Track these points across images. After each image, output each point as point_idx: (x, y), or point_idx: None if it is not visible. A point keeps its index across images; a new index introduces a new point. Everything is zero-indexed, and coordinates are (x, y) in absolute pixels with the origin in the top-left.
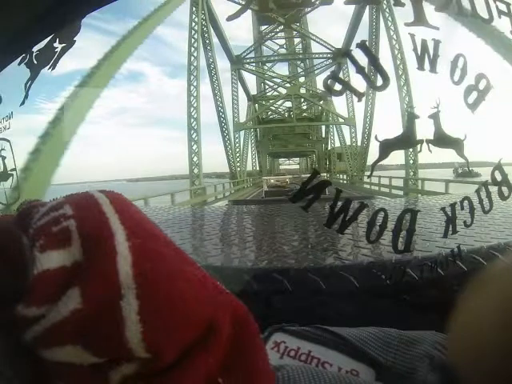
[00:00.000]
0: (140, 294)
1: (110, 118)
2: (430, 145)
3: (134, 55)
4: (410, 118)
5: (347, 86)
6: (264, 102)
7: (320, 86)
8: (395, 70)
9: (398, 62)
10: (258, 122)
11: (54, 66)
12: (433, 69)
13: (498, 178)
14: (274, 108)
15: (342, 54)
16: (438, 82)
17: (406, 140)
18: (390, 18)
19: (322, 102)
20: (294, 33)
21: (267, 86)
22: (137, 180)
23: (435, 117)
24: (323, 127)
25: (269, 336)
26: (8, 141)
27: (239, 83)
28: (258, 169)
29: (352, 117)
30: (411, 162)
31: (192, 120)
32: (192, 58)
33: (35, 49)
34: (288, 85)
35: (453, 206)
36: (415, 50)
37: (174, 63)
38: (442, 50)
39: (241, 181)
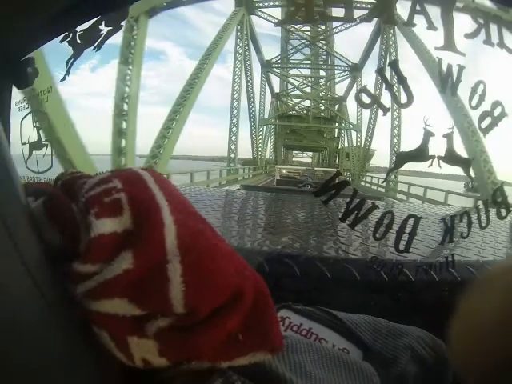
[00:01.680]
0: (183, 260)
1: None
2: (440, 161)
3: (156, 34)
4: (425, 135)
5: (376, 101)
6: (286, 100)
7: (337, 91)
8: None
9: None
10: (278, 116)
11: (98, 48)
12: (454, 92)
13: (499, 199)
14: (293, 103)
15: (356, 69)
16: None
17: (420, 154)
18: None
19: (337, 106)
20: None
21: (290, 86)
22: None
23: (449, 137)
24: (336, 125)
25: (276, 311)
26: (46, 113)
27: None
28: (274, 158)
29: (359, 123)
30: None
31: (233, 118)
32: (236, 69)
33: (79, 28)
34: (308, 89)
35: (453, 217)
36: (440, 73)
37: (196, 45)
38: (463, 75)
39: (260, 167)
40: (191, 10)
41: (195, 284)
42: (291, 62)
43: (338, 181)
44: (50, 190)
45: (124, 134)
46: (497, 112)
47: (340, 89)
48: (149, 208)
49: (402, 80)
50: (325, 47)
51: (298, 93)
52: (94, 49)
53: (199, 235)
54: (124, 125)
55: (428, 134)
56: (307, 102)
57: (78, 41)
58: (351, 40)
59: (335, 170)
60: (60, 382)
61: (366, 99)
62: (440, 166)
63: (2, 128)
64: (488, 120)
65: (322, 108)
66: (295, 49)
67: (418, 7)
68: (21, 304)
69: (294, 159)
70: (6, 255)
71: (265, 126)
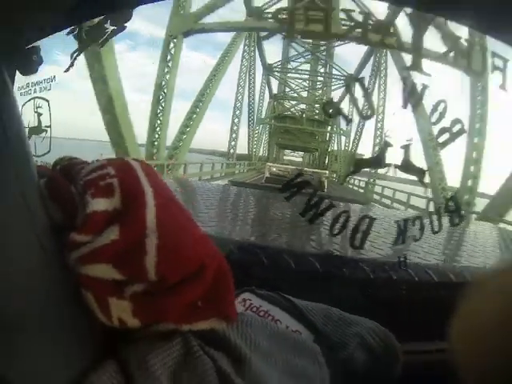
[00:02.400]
0: (159, 236)
1: (127, 83)
2: (396, 169)
3: (158, 21)
4: (384, 145)
5: (338, 112)
6: (282, 101)
7: (334, 97)
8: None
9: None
10: (274, 117)
11: (102, 44)
12: (415, 107)
13: (452, 207)
14: (289, 105)
15: (353, 79)
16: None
17: (377, 162)
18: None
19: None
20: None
21: (287, 89)
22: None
23: (406, 148)
24: (328, 128)
25: (240, 293)
26: (47, 100)
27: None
28: (266, 155)
29: (348, 129)
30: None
31: (235, 118)
32: (242, 74)
33: (86, 24)
34: (305, 93)
35: (406, 221)
36: (404, 90)
37: (198, 36)
38: (427, 93)
39: (253, 163)
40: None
41: (167, 257)
42: (291, 65)
43: (299, 180)
44: (50, 173)
45: (157, 132)
46: (456, 128)
47: (336, 95)
48: (135, 192)
49: (368, 95)
50: (324, 57)
51: (294, 95)
52: (98, 45)
53: (175, 217)
54: (157, 123)
55: (386, 144)
56: (303, 105)
57: (84, 36)
58: (354, 48)
59: (325, 171)
60: (51, 327)
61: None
62: (395, 174)
63: (14, 112)
64: (446, 135)
65: (317, 111)
66: (296, 55)
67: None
68: (28, 261)
69: (285, 157)
70: (24, 223)
71: (261, 125)
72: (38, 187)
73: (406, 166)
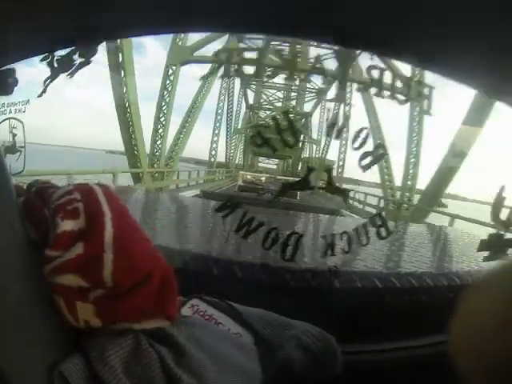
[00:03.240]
0: (114, 251)
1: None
2: (321, 190)
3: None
4: (308, 170)
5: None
6: (258, 111)
7: (306, 108)
8: None
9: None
10: (250, 127)
11: (71, 75)
12: (338, 136)
13: (378, 222)
14: (265, 115)
15: (323, 92)
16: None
17: (303, 185)
18: None
19: (303, 121)
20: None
21: (262, 100)
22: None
23: (329, 172)
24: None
25: (189, 300)
26: (21, 122)
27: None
28: (242, 163)
29: (319, 139)
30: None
31: (216, 129)
32: (222, 88)
33: (58, 53)
34: (280, 104)
35: (333, 236)
36: (327, 120)
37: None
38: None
39: (231, 170)
40: None
41: (120, 268)
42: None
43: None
44: (26, 195)
45: (158, 145)
46: (378, 152)
47: (309, 106)
48: (97, 215)
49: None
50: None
51: (269, 106)
52: (67, 75)
53: (128, 234)
54: (158, 137)
55: (309, 169)
56: (278, 115)
57: (55, 64)
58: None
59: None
60: (29, 326)
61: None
62: (318, 195)
63: None
64: (369, 159)
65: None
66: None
67: None
68: (12, 272)
69: (260, 165)
70: (8, 238)
71: (237, 135)
72: (18, 207)
73: (330, 187)
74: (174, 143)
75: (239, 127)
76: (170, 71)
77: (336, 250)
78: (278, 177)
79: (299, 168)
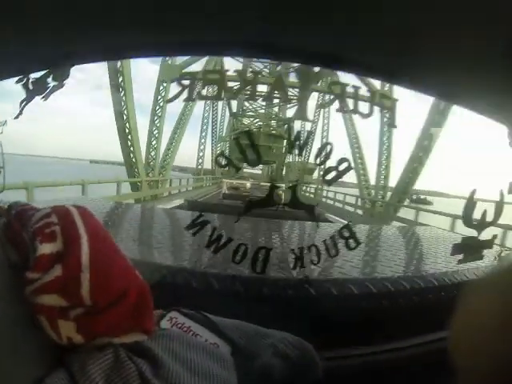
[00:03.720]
0: (91, 271)
1: (87, 92)
2: (285, 207)
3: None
4: (271, 188)
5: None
6: (241, 118)
7: (288, 114)
8: None
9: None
10: (234, 134)
11: (46, 98)
12: (300, 153)
13: (346, 234)
14: (248, 122)
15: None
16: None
17: (266, 202)
18: None
19: (286, 126)
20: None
21: (245, 107)
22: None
23: (293, 189)
24: (284, 143)
25: (168, 312)
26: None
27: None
28: (227, 169)
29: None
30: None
31: (202, 138)
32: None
33: (32, 75)
34: (262, 110)
35: (301, 249)
36: (289, 137)
37: None
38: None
39: (217, 177)
40: None
41: (97, 287)
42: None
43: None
44: (7, 217)
45: (152, 157)
46: (342, 167)
47: (291, 112)
48: (73, 237)
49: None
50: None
51: (252, 113)
52: (42, 98)
53: (104, 254)
54: (152, 149)
55: (272, 187)
56: (260, 121)
57: (30, 87)
58: None
59: (282, 185)
60: (14, 344)
61: None
62: (283, 213)
63: None
64: (333, 173)
65: (274, 126)
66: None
67: None
68: None
69: (245, 170)
70: None
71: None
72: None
73: (294, 203)
74: (165, 153)
75: (224, 135)
76: (161, 87)
77: (305, 263)
78: (263, 183)
79: (283, 173)
